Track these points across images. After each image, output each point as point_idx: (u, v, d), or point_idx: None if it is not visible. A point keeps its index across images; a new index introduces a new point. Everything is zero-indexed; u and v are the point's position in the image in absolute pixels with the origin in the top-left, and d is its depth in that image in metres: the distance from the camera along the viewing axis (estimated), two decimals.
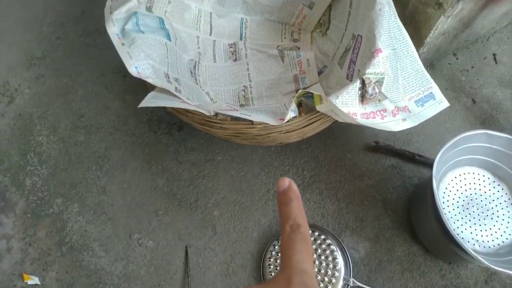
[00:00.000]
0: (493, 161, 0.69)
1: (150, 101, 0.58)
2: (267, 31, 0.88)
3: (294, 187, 0.33)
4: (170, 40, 0.73)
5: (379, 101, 0.59)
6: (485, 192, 0.69)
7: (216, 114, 0.61)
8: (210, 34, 0.85)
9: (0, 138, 0.79)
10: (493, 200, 0.69)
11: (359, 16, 0.70)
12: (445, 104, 0.64)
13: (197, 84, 0.80)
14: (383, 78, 0.59)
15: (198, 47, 0.83)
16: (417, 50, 0.83)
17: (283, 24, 0.88)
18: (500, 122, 0.85)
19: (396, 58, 0.62)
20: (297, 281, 0.27)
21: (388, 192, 0.77)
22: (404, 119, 0.61)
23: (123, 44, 0.64)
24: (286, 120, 0.59)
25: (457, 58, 0.93)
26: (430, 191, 0.61)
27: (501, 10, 0.87)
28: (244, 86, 0.83)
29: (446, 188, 0.69)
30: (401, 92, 0.62)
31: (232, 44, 0.87)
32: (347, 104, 0.58)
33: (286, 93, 0.82)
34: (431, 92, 0.65)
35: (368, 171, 0.79)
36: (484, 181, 0.70)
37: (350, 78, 0.68)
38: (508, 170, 0.68)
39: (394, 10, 0.67)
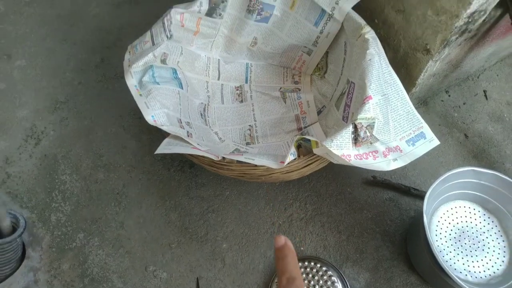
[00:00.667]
0: (483, 195, 0.74)
1: (165, 148, 0.65)
2: (270, 75, 0.95)
3: (289, 244, 0.38)
4: (182, 88, 0.80)
5: (371, 143, 0.65)
6: (476, 225, 0.74)
7: (223, 158, 0.68)
8: (218, 79, 0.92)
9: (28, 178, 0.86)
10: (484, 233, 0.73)
11: (352, 64, 0.77)
12: (436, 142, 0.70)
13: (207, 125, 0.87)
14: (374, 122, 0.66)
15: (208, 91, 0.90)
16: (410, 90, 0.90)
17: (285, 68, 0.95)
18: (492, 155, 0.90)
19: (386, 102, 0.69)
20: None
21: (386, 224, 0.82)
22: (395, 159, 0.67)
23: (140, 95, 0.72)
24: (286, 163, 0.65)
25: (449, 95, 0.99)
26: (422, 226, 0.66)
27: (488, 51, 0.94)
28: (250, 125, 0.90)
29: (439, 222, 0.74)
30: (392, 133, 0.68)
31: (238, 87, 0.94)
32: (342, 147, 0.64)
33: (289, 131, 0.89)
34: (422, 132, 0.71)
35: (367, 204, 0.84)
36: (475, 214, 0.75)
37: (345, 120, 0.75)
38: (497, 204, 0.73)
39: (385, 57, 0.74)
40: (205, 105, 0.88)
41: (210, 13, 0.81)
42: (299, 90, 0.93)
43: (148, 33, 0.78)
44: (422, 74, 0.84)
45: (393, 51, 0.88)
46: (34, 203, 0.84)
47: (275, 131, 0.89)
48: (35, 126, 0.92)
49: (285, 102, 0.92)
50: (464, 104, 0.98)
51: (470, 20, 0.72)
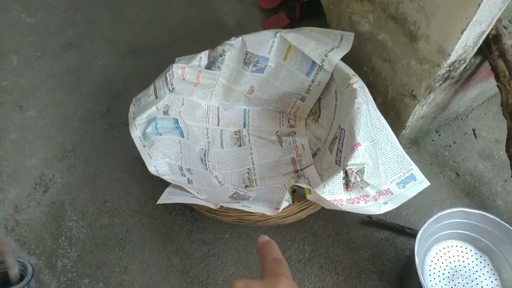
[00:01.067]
0: (473, 234, 0.76)
1: (166, 197, 0.69)
2: (267, 119, 1.00)
3: (273, 241, 0.41)
4: (183, 137, 0.85)
5: (362, 188, 0.69)
6: (468, 264, 0.76)
7: (221, 206, 0.71)
8: (218, 125, 0.97)
9: (36, 225, 0.90)
10: (477, 271, 0.75)
11: (342, 111, 0.82)
12: (426, 183, 0.73)
13: (207, 169, 0.91)
14: (364, 167, 0.69)
15: (208, 137, 0.95)
16: (400, 132, 0.94)
17: (281, 113, 1.00)
18: (483, 193, 0.93)
19: (375, 148, 0.73)
20: (285, 281, 0.35)
21: (382, 264, 0.84)
22: (385, 202, 0.70)
23: (144, 146, 0.77)
24: (281, 210, 0.68)
25: (439, 135, 1.03)
26: (414, 267, 0.69)
27: (473, 93, 0.98)
28: (248, 168, 0.94)
29: (432, 261, 0.76)
30: (382, 177, 0.71)
31: (237, 131, 0.99)
32: (333, 192, 0.67)
33: (286, 173, 0.93)
34: (412, 174, 0.74)
35: (364, 244, 0.87)
36: (467, 253, 0.77)
37: (338, 164, 0.78)
38: (487, 243, 0.75)
39: (373, 104, 0.78)
40: (205, 150, 0.93)
41: (209, 66, 0.87)
42: (295, 133, 0.98)
43: (152, 87, 0.84)
44: (410, 117, 0.89)
45: (382, 96, 0.93)
46: (42, 250, 0.87)
47: (272, 174, 0.93)
48: (44, 174, 0.97)
49: (282, 146, 0.96)
50: (454, 143, 1.01)
51: (451, 68, 0.77)
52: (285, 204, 0.68)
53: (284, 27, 1.23)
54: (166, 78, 0.83)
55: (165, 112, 0.83)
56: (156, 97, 0.82)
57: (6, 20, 1.27)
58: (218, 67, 0.88)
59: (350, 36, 0.84)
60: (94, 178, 0.97)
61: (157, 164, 0.75)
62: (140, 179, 0.96)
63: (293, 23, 1.24)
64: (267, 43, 0.86)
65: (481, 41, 0.74)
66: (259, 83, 0.94)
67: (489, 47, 0.80)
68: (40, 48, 1.20)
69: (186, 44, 1.22)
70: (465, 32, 0.67)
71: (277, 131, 0.99)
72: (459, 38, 0.68)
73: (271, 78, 0.92)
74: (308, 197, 0.70)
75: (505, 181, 0.94)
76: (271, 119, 1.00)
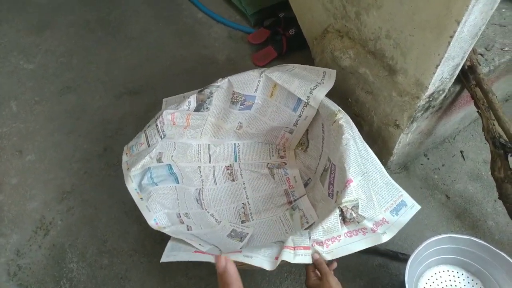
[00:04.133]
0: (464, 259, 0.78)
1: (170, 254, 0.69)
2: (257, 151, 1.03)
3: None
4: (178, 183, 0.88)
5: (358, 222, 0.70)
6: None
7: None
8: (210, 162, 1.00)
9: (38, 268, 0.92)
10: None
11: (331, 144, 0.84)
12: (417, 207, 0.75)
13: (203, 208, 0.93)
14: (358, 202, 0.71)
15: (201, 175, 0.97)
16: (388, 159, 0.97)
17: (270, 144, 1.03)
18: (474, 214, 0.95)
19: (367, 180, 0.74)
20: None
21: None
22: (383, 232, 0.71)
23: (141, 198, 0.78)
24: (279, 261, 0.66)
25: (428, 158, 1.05)
26: None
27: (459, 116, 1.01)
28: (243, 203, 0.96)
29: (426, 283, 0.78)
30: (376, 207, 0.73)
31: (228, 166, 1.01)
32: (332, 232, 0.68)
33: (280, 205, 0.95)
34: (402, 200, 0.76)
35: (359, 272, 0.88)
36: (458, 277, 0.79)
37: (331, 196, 0.80)
38: (478, 267, 0.77)
39: (359, 136, 0.80)
40: (200, 189, 0.95)
41: (198, 108, 0.90)
42: (285, 164, 1.00)
43: (143, 135, 0.85)
44: (396, 144, 0.92)
45: (368, 125, 0.96)
46: None
47: (267, 206, 0.95)
48: (44, 217, 0.99)
49: (274, 178, 0.99)
50: (443, 165, 1.04)
51: (431, 99, 0.80)
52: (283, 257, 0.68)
53: (272, 60, 1.28)
54: (157, 125, 0.85)
55: (159, 160, 0.85)
56: (148, 145, 0.84)
57: (5, 67, 1.32)
58: (207, 108, 0.92)
59: (332, 73, 0.88)
60: (93, 218, 0.99)
61: (156, 216, 0.76)
62: (138, 218, 0.98)
63: (280, 56, 1.29)
64: (253, 82, 0.90)
65: (457, 72, 0.78)
66: (247, 119, 0.97)
67: (467, 76, 0.83)
68: (38, 93, 1.25)
69: (180, 81, 1.26)
70: (439, 67, 0.70)
71: (268, 163, 1.01)
72: (434, 73, 0.71)
73: (259, 114, 0.96)
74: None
75: (495, 201, 0.96)
76: (261, 151, 1.03)
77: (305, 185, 0.97)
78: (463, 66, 0.82)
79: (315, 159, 0.95)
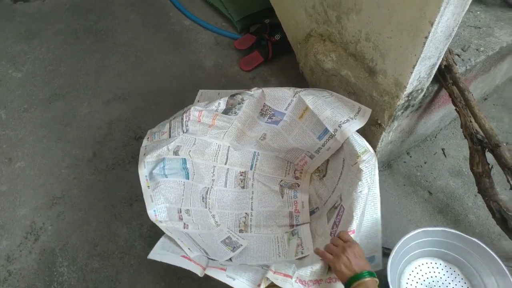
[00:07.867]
0: (440, 249, 0.81)
1: (158, 252, 0.70)
2: (274, 165, 1.03)
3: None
4: (188, 179, 0.88)
5: None
6: (441, 278, 0.80)
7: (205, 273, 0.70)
8: (226, 164, 1.01)
9: (28, 273, 0.92)
10: (449, 283, 0.80)
11: (346, 184, 0.81)
12: (379, 267, 0.78)
13: (206, 207, 0.93)
14: None
15: (213, 175, 0.99)
16: None
17: (289, 162, 1.03)
18: (455, 209, 0.98)
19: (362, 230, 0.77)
20: None
21: None
22: None
23: (148, 186, 0.79)
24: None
25: (410, 156, 1.08)
26: None
27: (439, 115, 1.05)
28: (246, 213, 0.96)
29: (408, 281, 0.80)
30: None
31: (243, 172, 1.02)
32: (318, 275, 0.68)
33: (281, 225, 0.94)
34: (373, 256, 0.80)
35: None
36: (437, 267, 0.82)
37: (332, 236, 0.80)
38: (454, 255, 0.80)
39: (376, 185, 0.80)
40: (208, 188, 0.96)
41: (226, 111, 0.91)
42: (298, 186, 1.00)
43: (167, 125, 0.87)
44: (379, 143, 0.95)
45: None
46: None
47: (268, 223, 0.95)
48: (34, 223, 1.00)
49: (282, 197, 0.99)
50: (425, 163, 1.07)
51: (410, 98, 0.84)
52: (267, 282, 0.67)
53: (259, 65, 1.31)
54: (182, 119, 0.86)
55: (175, 152, 0.86)
56: (170, 136, 0.85)
57: None
58: (235, 112, 0.93)
59: (367, 111, 0.86)
60: (83, 223, 1.00)
61: (157, 208, 0.77)
62: (127, 220, 0.99)
63: (266, 61, 1.32)
64: (285, 100, 0.90)
65: (434, 72, 0.81)
66: (272, 133, 0.98)
67: (444, 76, 0.87)
68: (27, 100, 1.26)
69: (167, 86, 1.28)
70: (416, 67, 0.74)
71: (281, 180, 1.01)
72: (411, 72, 0.75)
73: (284, 132, 0.97)
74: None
75: (475, 195, 0.99)
76: (278, 166, 1.03)
77: (311, 212, 0.96)
78: (440, 66, 0.86)
79: (329, 190, 0.93)
